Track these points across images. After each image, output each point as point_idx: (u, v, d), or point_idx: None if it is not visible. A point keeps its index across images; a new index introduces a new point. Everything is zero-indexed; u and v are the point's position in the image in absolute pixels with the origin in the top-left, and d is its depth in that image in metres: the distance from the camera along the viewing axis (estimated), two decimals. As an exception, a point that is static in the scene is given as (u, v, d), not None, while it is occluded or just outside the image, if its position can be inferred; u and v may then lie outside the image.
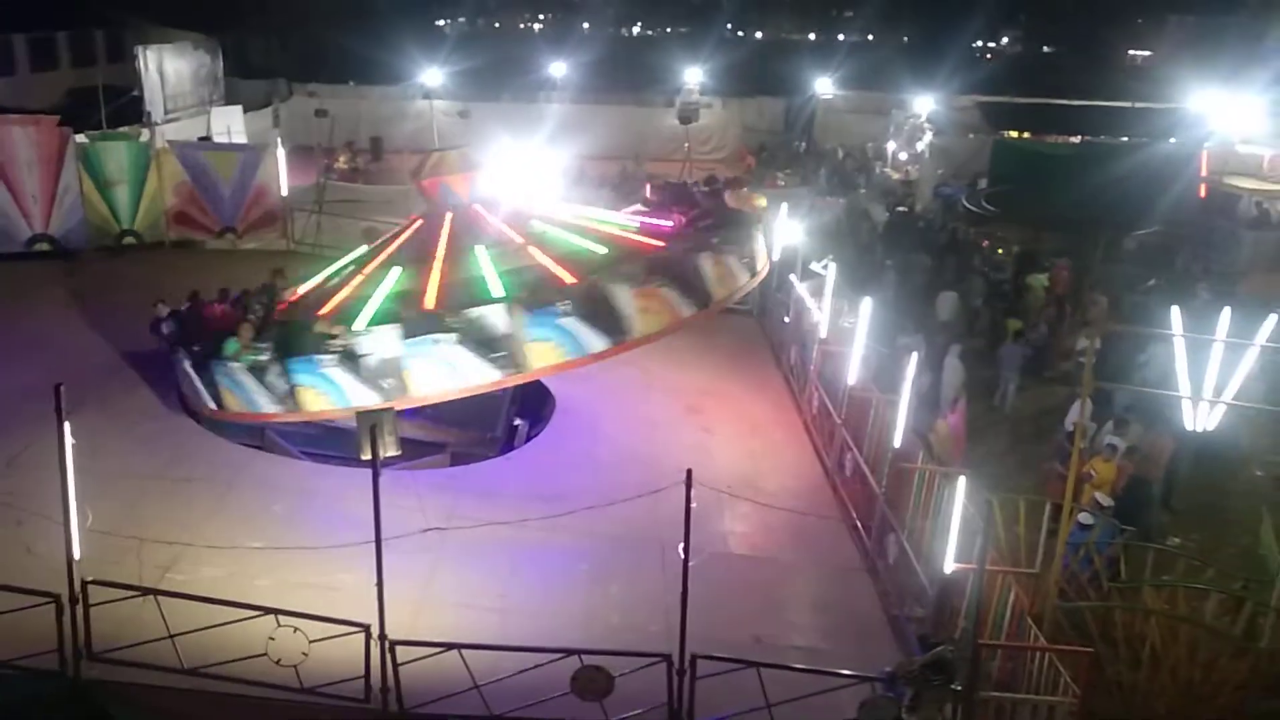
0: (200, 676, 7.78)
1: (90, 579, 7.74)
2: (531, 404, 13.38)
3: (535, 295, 10.75)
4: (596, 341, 10.78)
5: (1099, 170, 22.42)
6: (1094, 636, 9.00)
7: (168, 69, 25.88)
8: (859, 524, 11.04)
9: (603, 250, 11.64)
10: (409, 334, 10.46)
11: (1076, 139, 30.14)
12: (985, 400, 15.90)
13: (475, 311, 10.50)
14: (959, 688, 7.41)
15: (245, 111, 28.56)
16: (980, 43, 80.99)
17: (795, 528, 10.79)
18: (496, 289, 10.95)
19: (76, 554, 7.65)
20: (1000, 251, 22.09)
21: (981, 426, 14.32)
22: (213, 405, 11.55)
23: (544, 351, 10.66)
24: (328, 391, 10.75)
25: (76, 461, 7.53)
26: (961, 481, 8.60)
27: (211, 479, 10.89)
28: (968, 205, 23.82)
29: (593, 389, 13.51)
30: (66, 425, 7.36)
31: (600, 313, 10.74)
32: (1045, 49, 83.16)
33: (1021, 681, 8.20)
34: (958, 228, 24.56)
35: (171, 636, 7.76)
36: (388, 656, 7.65)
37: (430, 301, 10.80)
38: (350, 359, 10.54)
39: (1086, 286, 19.29)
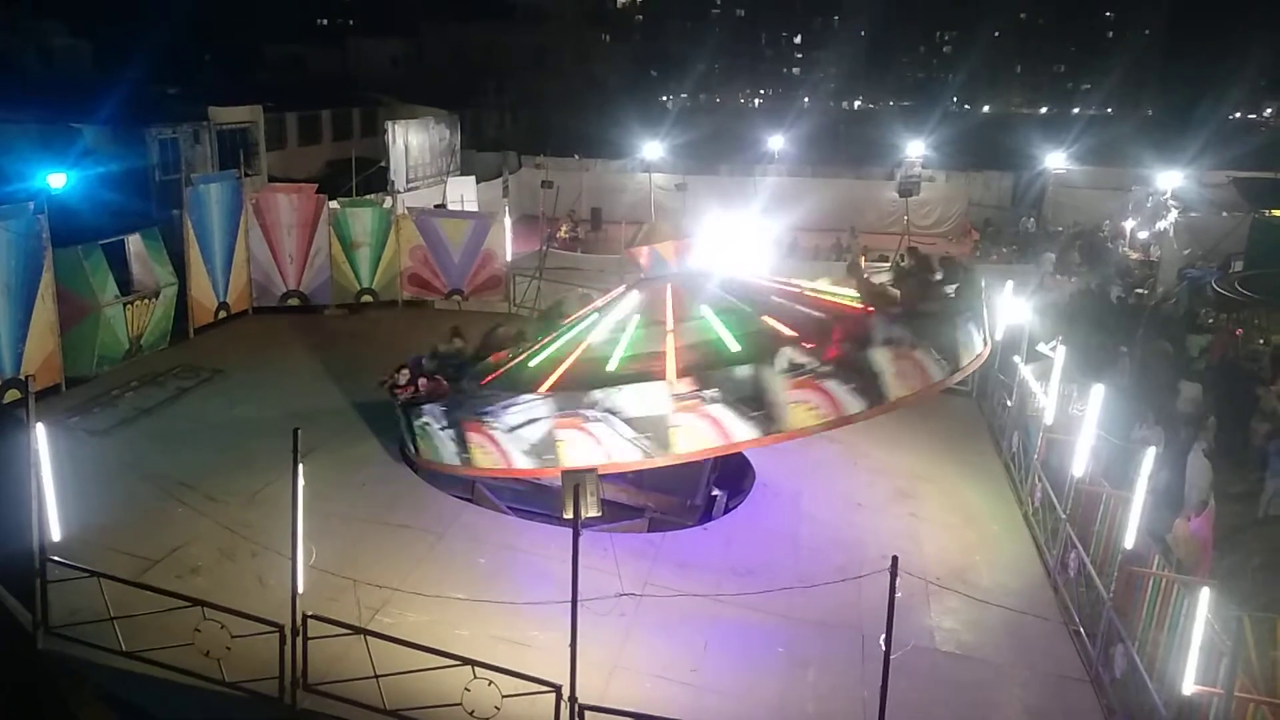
0: (399, 718, 8.03)
1: (311, 613, 8.19)
2: (731, 475, 13.22)
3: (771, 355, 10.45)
4: (744, 430, 10.28)
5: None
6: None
7: (411, 142, 28.10)
8: (1082, 630, 10.11)
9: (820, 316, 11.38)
10: (561, 406, 10.48)
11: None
12: (1236, 503, 14.30)
13: (621, 389, 10.33)
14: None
15: (478, 182, 30.44)
16: (1238, 114, 75.13)
17: (1009, 628, 10.01)
18: (734, 346, 10.87)
19: (300, 589, 8.12)
20: (1262, 342, 20.07)
21: (1232, 533, 12.88)
22: (457, 462, 11.99)
23: (692, 435, 10.36)
24: (492, 452, 11.01)
25: (306, 502, 8.03)
26: (1205, 593, 7.73)
27: (424, 528, 11.37)
28: (1218, 289, 21.81)
29: (794, 464, 13.21)
30: (300, 467, 7.89)
31: (753, 400, 10.27)
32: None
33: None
34: (1202, 312, 22.58)
35: (377, 676, 8.07)
36: (577, 720, 7.64)
37: (672, 374, 10.63)
38: (509, 428, 10.72)
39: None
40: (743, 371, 10.36)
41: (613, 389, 10.38)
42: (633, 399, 10.29)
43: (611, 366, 11.14)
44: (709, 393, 10.21)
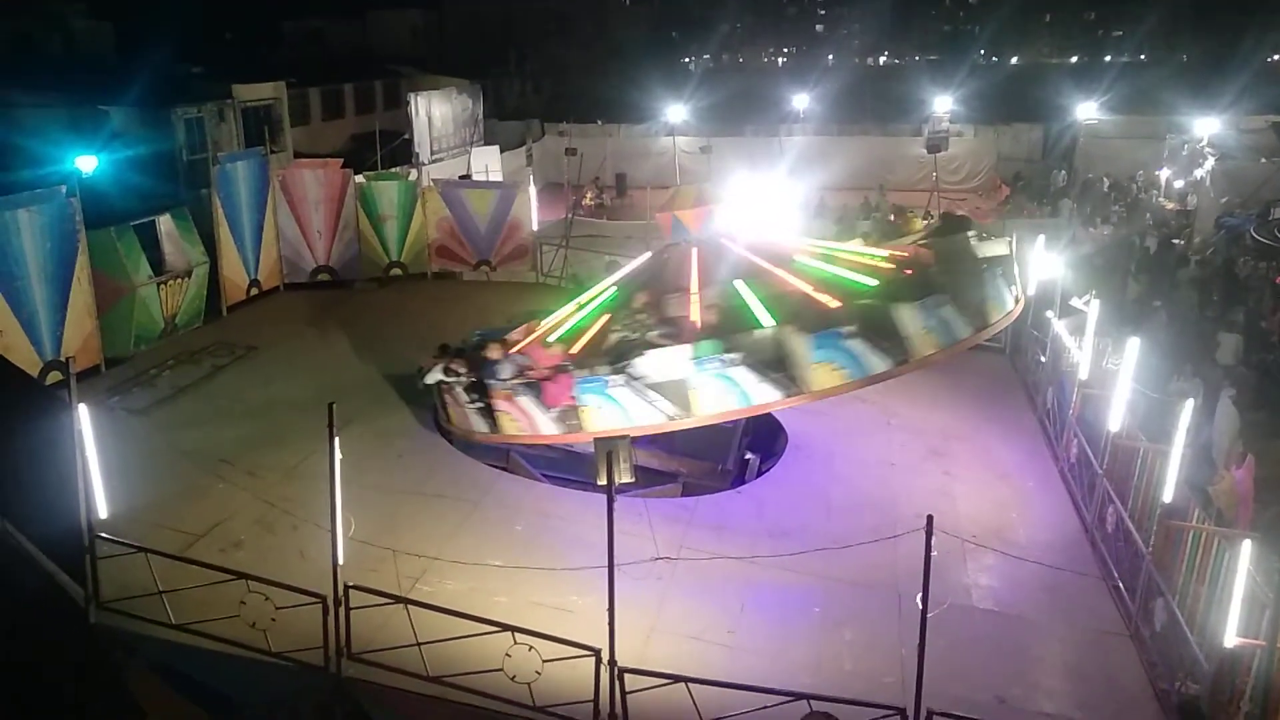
0: (442, 684, 8.16)
1: (352, 584, 8.32)
2: (763, 438, 13.23)
3: (803, 320, 10.63)
4: (878, 363, 10.52)
5: None
6: None
7: (435, 113, 28.08)
8: (1121, 585, 10.06)
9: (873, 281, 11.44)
10: (697, 355, 10.60)
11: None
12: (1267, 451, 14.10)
13: (758, 333, 10.54)
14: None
15: (502, 151, 30.38)
16: (1278, 56, 72.98)
17: (1047, 584, 10.00)
18: (765, 317, 10.99)
19: (340, 560, 8.25)
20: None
21: (1275, 484, 12.71)
22: (486, 429, 12.11)
23: (826, 373, 10.52)
24: (612, 412, 11.02)
25: (343, 474, 8.12)
26: (1246, 545, 7.67)
27: (460, 497, 11.48)
28: (1257, 237, 21.39)
29: (827, 426, 13.19)
30: (336, 441, 7.99)
31: (884, 334, 10.50)
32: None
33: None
34: (1239, 260, 22.19)
35: (419, 644, 8.20)
36: (616, 683, 7.72)
37: (696, 319, 10.92)
38: (634, 380, 10.79)
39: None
40: (764, 335, 10.46)
41: (752, 332, 10.61)
42: (775, 340, 10.49)
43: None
44: (846, 328, 10.40)
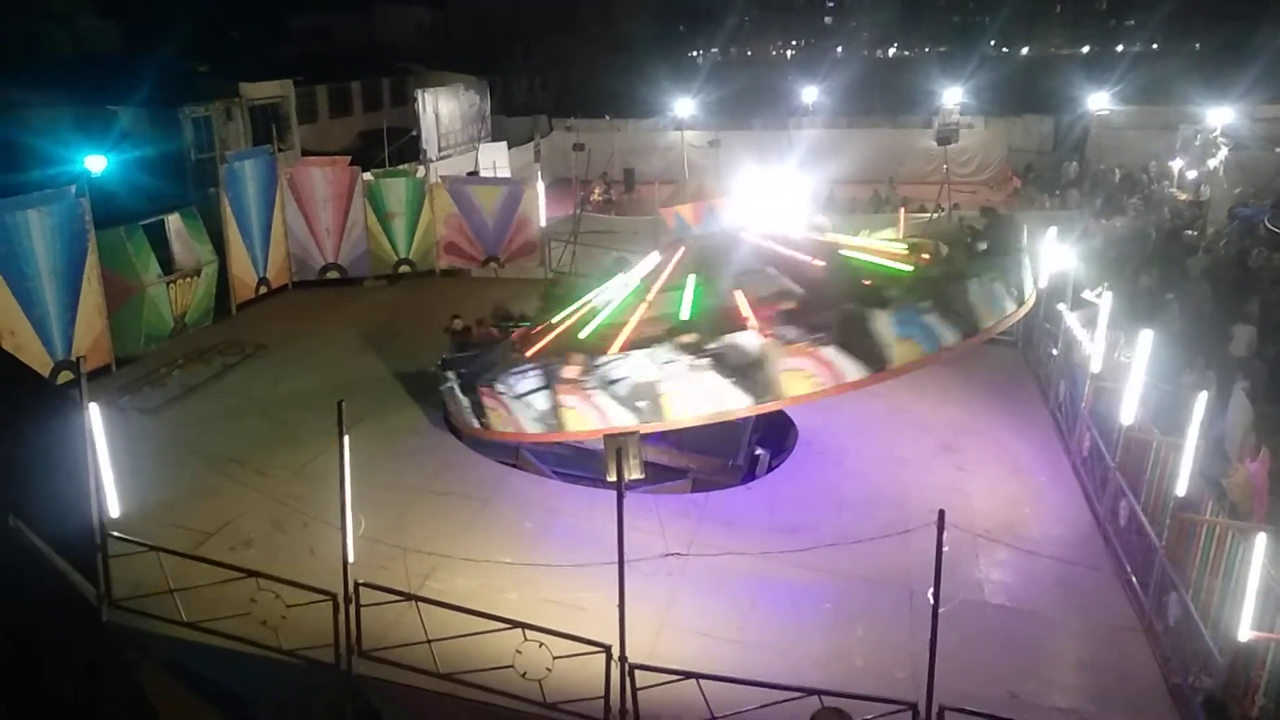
0: (453, 682, 8.17)
1: (362, 581, 8.32)
2: (773, 434, 13.18)
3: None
4: (852, 370, 10.40)
5: None
6: None
7: (442, 110, 28.01)
8: (1134, 579, 9.99)
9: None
10: (667, 357, 10.51)
11: None
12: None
13: (729, 337, 10.47)
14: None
15: (510, 147, 30.32)
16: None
17: (1060, 579, 9.95)
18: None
19: (351, 558, 8.25)
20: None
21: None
22: (477, 424, 12.19)
23: (797, 380, 10.42)
24: (587, 413, 10.99)
25: (353, 472, 8.11)
26: (1261, 539, 7.60)
27: (469, 494, 11.48)
28: (1271, 227, 21.19)
29: (838, 421, 13.14)
30: (346, 439, 7.98)
31: (858, 341, 10.35)
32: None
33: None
34: (1252, 251, 22.00)
35: (429, 641, 8.20)
36: (627, 680, 7.70)
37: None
38: (607, 383, 10.73)
39: None
40: (738, 339, 10.43)
41: (726, 335, 10.45)
42: (746, 344, 10.36)
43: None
44: (820, 335, 10.28)
